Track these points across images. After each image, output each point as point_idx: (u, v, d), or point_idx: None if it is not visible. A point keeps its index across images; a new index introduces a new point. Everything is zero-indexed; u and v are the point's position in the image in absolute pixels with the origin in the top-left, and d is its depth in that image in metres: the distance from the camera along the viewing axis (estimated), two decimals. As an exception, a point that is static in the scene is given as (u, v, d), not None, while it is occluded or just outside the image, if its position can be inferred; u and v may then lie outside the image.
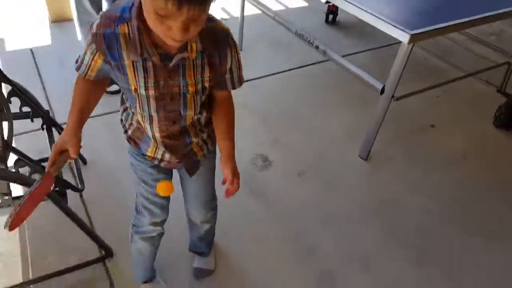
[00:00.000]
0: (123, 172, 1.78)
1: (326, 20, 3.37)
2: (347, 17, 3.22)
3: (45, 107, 1.87)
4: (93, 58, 0.88)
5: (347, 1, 1.64)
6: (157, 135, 0.99)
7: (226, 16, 3.30)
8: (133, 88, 0.88)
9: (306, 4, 3.60)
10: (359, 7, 1.59)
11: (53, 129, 1.69)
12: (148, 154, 1.06)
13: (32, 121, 1.62)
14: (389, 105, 1.71)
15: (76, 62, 0.93)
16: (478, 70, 2.30)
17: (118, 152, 1.90)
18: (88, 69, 0.91)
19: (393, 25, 1.46)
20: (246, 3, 2.60)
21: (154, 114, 0.94)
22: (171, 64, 0.83)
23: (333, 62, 2.09)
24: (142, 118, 0.97)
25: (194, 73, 0.87)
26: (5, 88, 1.43)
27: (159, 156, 1.06)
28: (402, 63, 1.56)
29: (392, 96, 1.68)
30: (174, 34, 0.71)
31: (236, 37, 2.77)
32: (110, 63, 0.85)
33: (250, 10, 2.75)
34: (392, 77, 1.61)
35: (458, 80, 2.21)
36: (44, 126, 1.66)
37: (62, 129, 1.74)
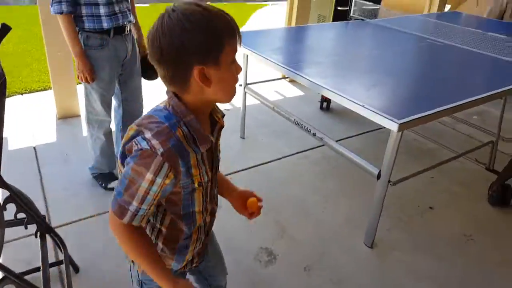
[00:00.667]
0: (121, 286, 1.64)
1: (321, 107, 3.63)
2: (340, 104, 3.48)
3: (42, 208, 1.79)
4: (162, 184, 0.81)
5: (337, 93, 1.82)
6: (207, 219, 1.01)
7: (229, 107, 3.56)
8: (196, 183, 0.89)
9: (302, 93, 3.91)
10: (348, 99, 1.76)
11: (47, 235, 1.57)
12: (187, 258, 1.01)
13: (26, 228, 1.49)
14: (386, 190, 1.80)
15: (122, 214, 0.83)
16: (467, 151, 2.45)
17: (116, 260, 1.75)
18: (152, 206, 0.84)
19: (381, 115, 1.61)
20: (247, 95, 2.84)
21: (208, 199, 0.97)
22: (214, 138, 0.92)
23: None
24: (200, 212, 0.96)
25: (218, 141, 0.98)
26: (2, 193, 1.35)
27: (195, 252, 1.04)
28: (394, 149, 1.70)
29: (389, 181, 1.79)
30: (239, 72, 0.86)
31: (238, 126, 2.98)
32: (180, 174, 0.84)
33: (251, 100, 2.99)
34: (386, 162, 1.74)
35: (449, 161, 2.34)
36: (38, 233, 1.55)
37: (56, 234, 1.62)
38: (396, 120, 1.56)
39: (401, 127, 1.56)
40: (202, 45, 0.78)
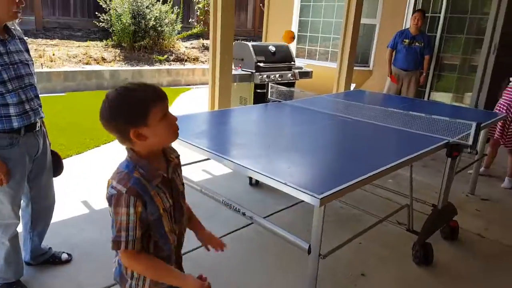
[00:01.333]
0: None
1: (250, 183, 3.71)
2: (268, 178, 3.59)
3: None
4: (135, 212, 1.12)
5: (260, 173, 1.89)
6: (175, 239, 1.32)
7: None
8: (161, 209, 1.19)
9: (231, 170, 3.99)
10: (271, 178, 1.84)
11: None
12: None
13: None
14: (318, 263, 1.83)
15: (119, 245, 1.13)
16: (388, 214, 2.62)
17: None
18: (136, 230, 1.13)
19: (303, 192, 1.70)
20: (174, 178, 2.81)
21: (173, 220, 1.28)
22: (169, 174, 1.25)
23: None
24: (169, 231, 1.25)
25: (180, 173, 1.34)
26: None
27: None
28: (320, 222, 1.77)
29: (319, 255, 1.82)
30: (175, 123, 1.23)
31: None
32: (146, 203, 1.15)
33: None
34: (315, 237, 1.79)
35: (374, 226, 2.47)
36: None
37: None
38: (317, 195, 1.64)
39: (323, 202, 1.64)
40: (130, 114, 1.13)
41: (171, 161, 1.29)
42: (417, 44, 5.54)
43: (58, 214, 3.01)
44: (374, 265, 2.57)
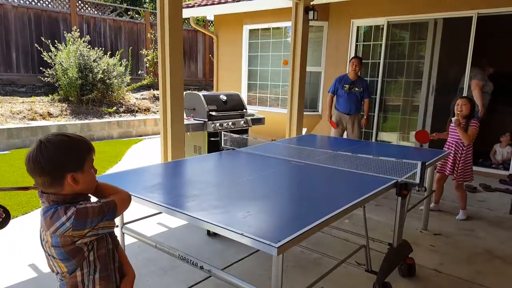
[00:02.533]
0: None
1: (208, 233, 3.59)
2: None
3: None
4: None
5: (216, 225, 1.84)
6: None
7: (106, 250, 3.25)
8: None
9: (187, 222, 3.85)
10: (227, 229, 1.79)
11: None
12: None
13: None
14: (280, 313, 1.76)
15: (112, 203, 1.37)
16: (346, 256, 2.62)
17: None
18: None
19: (260, 241, 1.66)
20: (125, 235, 2.66)
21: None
22: None
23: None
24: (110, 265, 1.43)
25: None
26: None
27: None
28: (279, 271, 1.72)
29: (281, 304, 1.76)
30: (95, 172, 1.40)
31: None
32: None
33: (131, 239, 2.80)
34: (275, 286, 1.73)
35: (334, 269, 2.45)
36: None
37: None
38: (274, 244, 1.61)
39: (280, 250, 1.61)
40: (70, 160, 1.28)
41: None
42: (356, 89, 5.86)
43: (4, 280, 2.73)
44: (338, 311, 2.52)
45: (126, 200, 1.47)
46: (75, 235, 1.26)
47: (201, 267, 2.15)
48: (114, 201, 1.39)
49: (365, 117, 6.05)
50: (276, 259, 1.69)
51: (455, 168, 4.13)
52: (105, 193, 1.47)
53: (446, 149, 4.17)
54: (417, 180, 2.54)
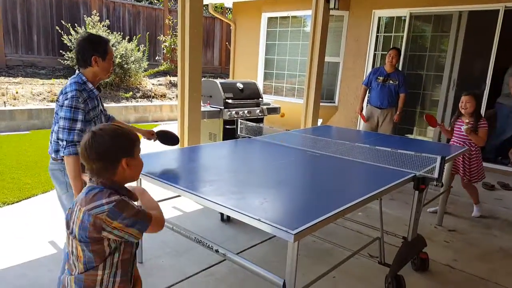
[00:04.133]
0: None
1: (222, 219, 3.64)
2: (239, 215, 3.55)
3: None
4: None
5: (233, 209, 1.86)
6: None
7: (123, 231, 3.33)
8: None
9: (201, 206, 3.90)
10: (244, 214, 1.81)
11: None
12: None
13: None
14: (293, 299, 1.79)
15: (147, 215, 1.40)
16: (360, 248, 2.63)
17: None
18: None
19: (277, 227, 1.68)
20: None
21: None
22: None
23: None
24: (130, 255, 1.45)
25: None
26: None
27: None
28: (294, 258, 1.74)
29: (294, 290, 1.78)
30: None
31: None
32: None
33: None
34: (289, 272, 1.75)
35: (346, 260, 2.46)
36: None
37: None
38: (291, 231, 1.63)
39: (296, 237, 1.63)
40: (124, 145, 1.39)
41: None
42: (391, 82, 5.42)
43: (25, 255, 2.84)
44: (349, 301, 2.54)
45: (160, 222, 1.44)
46: (107, 221, 1.29)
47: (217, 251, 2.19)
48: (152, 216, 1.39)
49: (397, 112, 5.51)
50: (292, 246, 1.71)
51: (466, 168, 4.03)
52: (146, 204, 1.50)
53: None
54: (436, 175, 2.52)
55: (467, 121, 3.86)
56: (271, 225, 1.70)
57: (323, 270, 2.24)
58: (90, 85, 2.28)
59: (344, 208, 1.95)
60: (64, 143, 2.12)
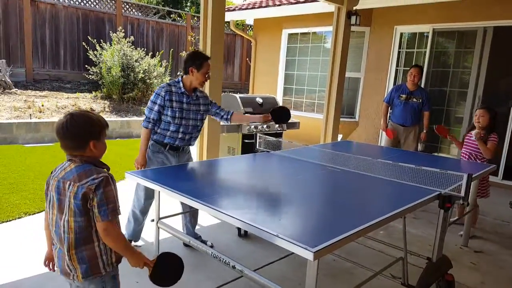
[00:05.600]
0: None
1: (239, 234, 3.59)
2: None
3: None
4: (116, 189, 1.72)
5: (251, 224, 1.82)
6: None
7: (140, 243, 3.32)
8: None
9: (219, 220, 3.87)
10: (262, 229, 1.76)
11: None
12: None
13: None
14: (312, 320, 1.71)
15: (119, 211, 1.66)
16: (382, 268, 2.53)
17: None
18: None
19: (296, 245, 1.62)
20: (160, 230, 2.69)
21: None
22: None
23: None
24: None
25: None
26: None
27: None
28: (314, 277, 1.68)
29: (313, 311, 1.71)
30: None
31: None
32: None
33: (165, 234, 2.84)
34: (308, 292, 1.69)
35: (368, 280, 2.37)
36: None
37: None
38: (311, 248, 1.57)
39: (316, 255, 1.57)
40: (93, 129, 1.66)
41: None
42: (414, 100, 5.27)
43: (40, 268, 2.84)
44: (371, 324, 2.43)
45: (114, 235, 1.65)
46: (93, 192, 1.57)
47: (233, 267, 2.14)
48: (115, 221, 1.64)
49: (424, 131, 5.34)
50: (312, 264, 1.65)
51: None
52: None
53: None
54: (462, 193, 2.41)
55: (477, 130, 3.88)
56: (289, 241, 1.65)
57: (344, 290, 2.15)
58: (181, 85, 3.07)
59: (366, 226, 1.88)
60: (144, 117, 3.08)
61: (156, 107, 2.99)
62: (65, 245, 1.64)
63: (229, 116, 3.32)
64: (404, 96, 5.31)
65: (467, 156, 4.01)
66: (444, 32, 6.30)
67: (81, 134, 1.62)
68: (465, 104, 6.16)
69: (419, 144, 5.57)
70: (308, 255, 1.57)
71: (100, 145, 1.69)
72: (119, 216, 1.67)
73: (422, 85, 6.33)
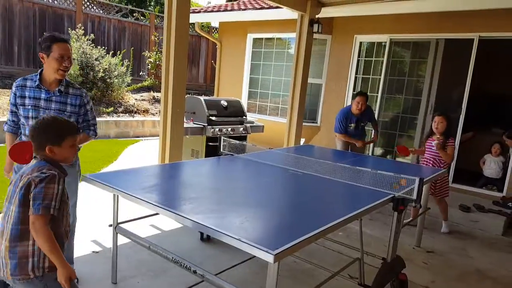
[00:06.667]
0: None
1: (201, 238, 3.57)
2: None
3: None
4: (62, 188, 1.77)
5: (212, 228, 1.83)
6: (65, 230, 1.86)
7: (97, 249, 3.22)
8: (66, 196, 1.84)
9: (180, 225, 3.83)
10: (224, 233, 1.77)
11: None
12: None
13: None
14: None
15: (51, 210, 1.64)
16: (340, 269, 2.61)
17: None
18: (58, 202, 1.70)
19: (257, 248, 1.65)
20: (118, 235, 2.64)
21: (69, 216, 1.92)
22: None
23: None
24: (65, 220, 1.81)
25: None
26: None
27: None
28: (274, 278, 1.72)
29: (273, 313, 1.75)
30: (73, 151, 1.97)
31: (108, 270, 2.69)
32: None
33: (124, 240, 2.78)
34: (268, 294, 1.72)
35: (326, 281, 2.44)
36: None
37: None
38: (271, 251, 1.61)
39: (277, 258, 1.61)
40: (51, 136, 1.77)
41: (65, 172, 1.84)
42: (362, 123, 5.52)
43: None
44: (329, 323, 2.51)
45: (42, 231, 1.62)
46: (35, 184, 1.63)
47: (194, 272, 2.14)
48: (46, 217, 1.63)
49: (376, 132, 5.73)
50: (272, 266, 1.69)
51: (437, 186, 4.27)
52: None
53: (423, 165, 4.34)
54: (414, 196, 2.55)
55: (437, 136, 4.18)
56: (251, 244, 1.68)
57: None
58: (38, 77, 2.52)
59: (325, 228, 1.94)
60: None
61: (12, 106, 2.55)
62: (5, 237, 1.69)
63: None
64: (353, 125, 5.44)
65: (431, 163, 4.26)
66: (400, 42, 6.60)
67: (39, 138, 1.76)
68: (419, 111, 6.48)
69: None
70: (269, 257, 1.60)
71: (59, 150, 1.77)
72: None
73: (380, 92, 6.61)
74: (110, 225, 2.67)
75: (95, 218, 3.81)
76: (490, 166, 5.81)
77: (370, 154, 6.83)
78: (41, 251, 1.65)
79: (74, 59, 8.84)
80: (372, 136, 5.84)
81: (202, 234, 3.57)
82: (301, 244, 1.78)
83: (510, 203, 5.03)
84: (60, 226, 1.75)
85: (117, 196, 2.46)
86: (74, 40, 9.20)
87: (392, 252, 2.76)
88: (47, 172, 1.67)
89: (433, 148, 4.22)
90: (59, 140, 1.77)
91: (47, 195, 1.63)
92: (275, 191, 2.69)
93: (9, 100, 2.60)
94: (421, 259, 3.61)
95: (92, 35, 9.75)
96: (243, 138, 5.72)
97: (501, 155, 5.79)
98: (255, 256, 2.99)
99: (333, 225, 2.01)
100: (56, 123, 1.80)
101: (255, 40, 8.43)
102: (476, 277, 3.35)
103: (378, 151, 6.95)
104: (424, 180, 2.73)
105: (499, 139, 5.80)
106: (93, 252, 3.16)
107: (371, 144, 6.71)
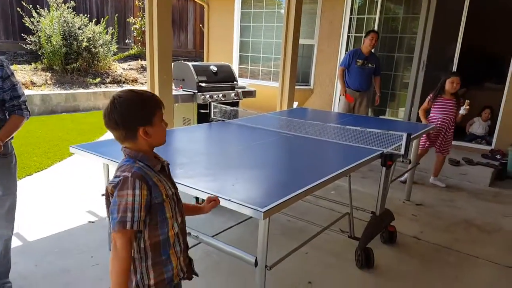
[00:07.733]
0: None
1: (197, 203, 3.64)
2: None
3: None
4: (141, 194, 1.25)
5: (204, 191, 1.88)
6: (179, 227, 1.46)
7: (93, 219, 3.30)
8: (164, 195, 1.34)
9: (175, 191, 3.89)
10: (211, 194, 1.80)
11: None
12: (175, 265, 1.42)
13: None
14: (265, 275, 1.84)
15: (128, 224, 1.23)
16: (330, 223, 2.72)
17: None
18: (141, 212, 1.26)
19: (247, 207, 1.71)
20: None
21: (176, 210, 1.43)
22: (166, 168, 1.47)
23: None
24: (170, 218, 1.39)
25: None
26: None
27: (181, 263, 1.47)
28: (265, 235, 1.79)
29: (266, 266, 1.84)
30: (166, 126, 1.43)
31: (106, 237, 2.75)
32: (150, 187, 1.29)
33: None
34: (261, 249, 1.80)
35: (317, 235, 2.54)
36: None
37: None
38: (260, 208, 1.67)
39: (266, 215, 1.67)
40: (141, 114, 1.32)
41: (163, 162, 1.45)
42: (369, 65, 5.46)
43: (63, 224, 2.78)
44: (321, 273, 2.64)
45: (119, 255, 1.25)
46: (113, 193, 1.28)
47: (189, 233, 2.21)
48: (124, 232, 1.25)
49: (378, 94, 5.66)
50: (262, 223, 1.76)
51: (443, 141, 4.38)
52: None
53: (432, 123, 4.32)
54: (402, 152, 2.61)
55: (467, 107, 4.24)
56: (241, 204, 1.73)
57: (296, 246, 2.31)
58: None
59: (312, 186, 2.00)
60: None
61: None
62: None
63: (6, 115, 2.18)
64: (360, 61, 5.45)
65: (446, 121, 4.31)
66: (392, -2, 6.47)
67: (126, 120, 1.31)
68: (411, 68, 6.45)
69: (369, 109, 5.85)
70: (258, 215, 1.67)
71: (154, 130, 1.36)
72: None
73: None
74: (103, 195, 2.71)
75: (89, 189, 3.87)
76: (478, 129, 5.90)
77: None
78: (143, 266, 1.35)
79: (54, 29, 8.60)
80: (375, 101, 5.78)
81: (197, 199, 3.64)
82: (289, 201, 1.83)
83: (498, 155, 5.14)
84: (158, 234, 1.35)
85: (107, 165, 2.48)
86: (54, 9, 8.90)
87: (381, 206, 2.86)
88: (120, 175, 1.29)
89: (450, 108, 4.28)
90: (150, 118, 1.34)
91: (120, 205, 1.24)
92: (266, 153, 2.73)
93: None
94: (411, 212, 3.74)
95: (72, 2, 9.44)
96: (235, 104, 5.69)
97: (489, 119, 5.88)
98: (250, 218, 3.08)
99: (320, 182, 2.06)
100: (137, 96, 1.35)
101: (244, 0, 8.20)
102: (463, 226, 3.49)
103: (370, 110, 6.97)
104: (412, 136, 2.78)
105: (490, 104, 5.89)
106: (89, 222, 3.23)
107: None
